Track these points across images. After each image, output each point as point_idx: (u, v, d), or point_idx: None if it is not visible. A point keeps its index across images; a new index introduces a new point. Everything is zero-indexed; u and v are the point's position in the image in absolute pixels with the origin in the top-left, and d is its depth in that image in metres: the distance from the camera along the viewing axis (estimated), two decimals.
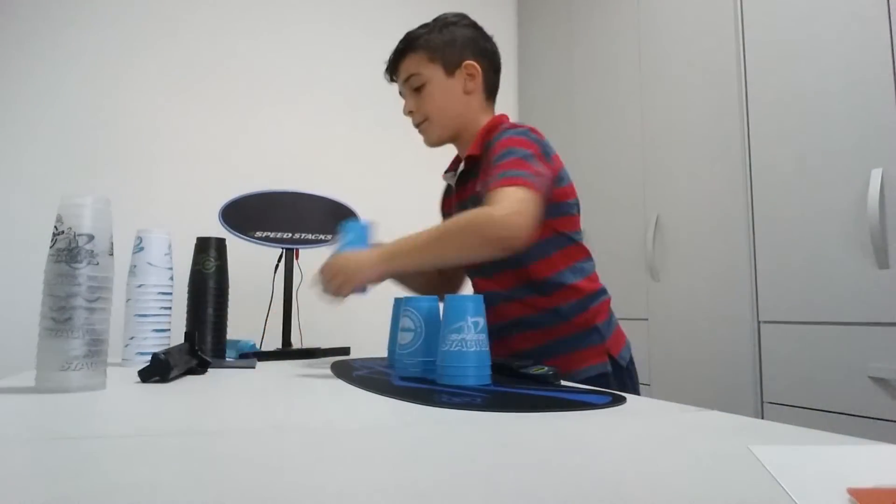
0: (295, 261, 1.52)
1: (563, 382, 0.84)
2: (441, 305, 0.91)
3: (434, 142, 1.22)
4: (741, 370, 1.63)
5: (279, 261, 1.51)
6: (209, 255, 1.18)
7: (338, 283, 1.00)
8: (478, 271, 1.20)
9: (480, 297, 0.83)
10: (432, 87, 1.17)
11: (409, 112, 1.21)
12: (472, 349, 0.79)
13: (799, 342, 1.49)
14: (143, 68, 2.15)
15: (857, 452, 0.45)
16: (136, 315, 1.08)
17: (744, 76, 1.69)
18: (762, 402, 1.57)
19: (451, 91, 1.17)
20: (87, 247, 0.73)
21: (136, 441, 0.47)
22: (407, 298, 0.95)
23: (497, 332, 1.10)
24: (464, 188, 1.19)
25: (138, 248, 1.11)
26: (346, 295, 1.02)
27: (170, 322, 1.11)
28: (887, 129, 1.35)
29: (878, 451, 0.44)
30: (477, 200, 1.09)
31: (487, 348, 0.82)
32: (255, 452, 0.44)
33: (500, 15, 2.78)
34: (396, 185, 2.42)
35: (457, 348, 0.79)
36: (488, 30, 1.23)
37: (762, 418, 1.50)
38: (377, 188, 2.29)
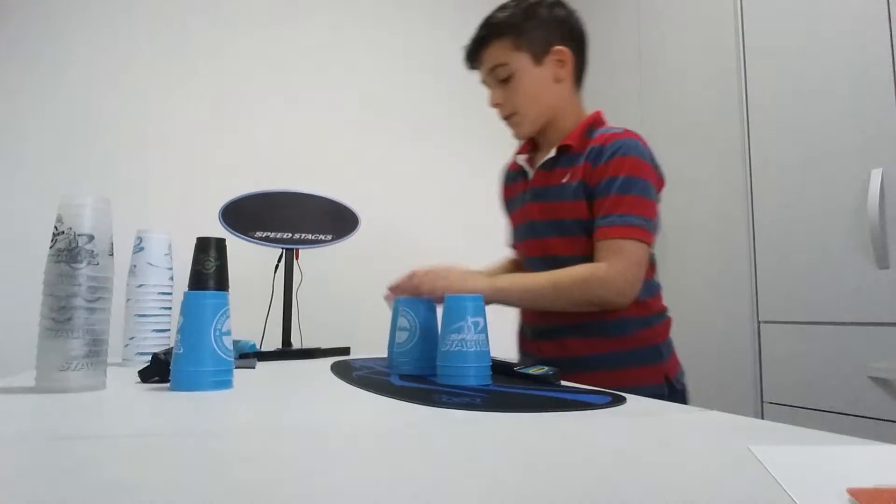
0: (295, 261, 1.52)
1: (565, 383, 0.84)
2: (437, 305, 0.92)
3: (526, 135, 1.13)
4: (741, 370, 1.63)
5: (279, 261, 1.51)
6: (209, 255, 1.18)
7: (438, 284, 0.95)
8: None
9: (480, 297, 0.83)
10: (521, 79, 1.06)
11: (495, 104, 1.10)
12: (472, 349, 0.79)
13: (799, 342, 1.49)
14: (143, 68, 2.14)
15: (857, 452, 0.45)
16: (136, 315, 1.08)
17: (744, 76, 1.69)
18: (762, 402, 1.57)
19: (541, 81, 1.07)
20: (87, 247, 0.73)
21: (136, 441, 0.47)
22: (404, 298, 0.95)
23: (554, 332, 1.07)
24: (547, 174, 1.09)
25: (138, 248, 1.11)
26: (433, 293, 0.96)
27: (170, 322, 1.11)
28: (887, 130, 1.35)
29: (878, 451, 0.44)
30: (563, 191, 1.04)
31: (488, 348, 0.82)
32: (255, 452, 0.44)
33: None
34: (396, 185, 2.42)
35: (457, 348, 0.79)
36: None
37: (762, 418, 1.50)
38: (377, 188, 2.29)
